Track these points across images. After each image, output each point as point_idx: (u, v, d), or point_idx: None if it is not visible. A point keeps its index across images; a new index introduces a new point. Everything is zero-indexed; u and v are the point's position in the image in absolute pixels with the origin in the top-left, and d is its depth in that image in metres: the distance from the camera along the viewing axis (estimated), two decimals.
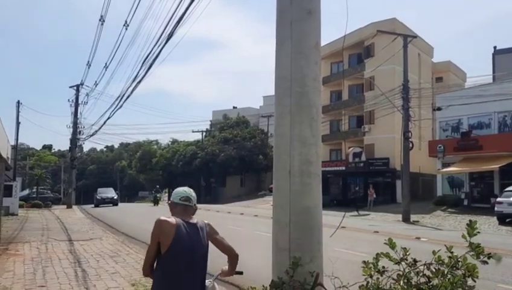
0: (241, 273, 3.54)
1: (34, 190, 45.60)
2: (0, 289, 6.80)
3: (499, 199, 20.30)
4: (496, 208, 20.06)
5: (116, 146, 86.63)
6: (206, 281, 3.19)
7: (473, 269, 2.54)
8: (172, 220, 2.90)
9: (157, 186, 37.35)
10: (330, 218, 4.23)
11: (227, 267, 3.37)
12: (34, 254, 10.27)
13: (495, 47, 40.92)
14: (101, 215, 24.09)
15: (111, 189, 41.64)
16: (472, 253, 2.58)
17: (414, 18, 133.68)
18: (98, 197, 37.11)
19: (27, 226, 17.58)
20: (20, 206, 28.31)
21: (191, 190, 3.16)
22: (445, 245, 2.70)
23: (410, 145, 23.51)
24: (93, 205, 37.15)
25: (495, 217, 20.16)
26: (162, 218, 2.91)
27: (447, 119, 29.38)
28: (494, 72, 37.23)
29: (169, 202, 3.10)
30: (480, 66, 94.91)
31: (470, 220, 2.66)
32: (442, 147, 27.86)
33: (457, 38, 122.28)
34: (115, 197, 37.81)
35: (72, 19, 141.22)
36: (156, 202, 37.70)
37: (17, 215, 23.77)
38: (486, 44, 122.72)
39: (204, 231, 3.05)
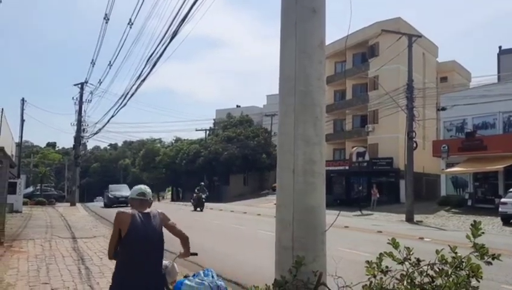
0: (195, 254, 4.18)
1: (38, 188, 45.88)
2: (5, 285, 6.83)
3: (503, 200, 20.24)
4: (500, 209, 19.99)
5: (119, 144, 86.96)
6: (167, 261, 3.79)
7: (477, 270, 2.53)
8: (129, 211, 3.52)
9: (202, 183, 29.59)
10: (333, 217, 4.21)
11: (183, 250, 3.95)
12: (37, 251, 10.31)
13: (500, 47, 40.70)
14: (104, 214, 24.16)
15: (125, 186, 35.53)
16: (476, 254, 2.57)
17: (415, 17, 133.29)
18: (110, 196, 32.29)
19: (31, 224, 17.66)
20: (24, 203, 28.45)
21: (146, 187, 3.80)
22: (448, 245, 2.69)
23: (414, 145, 23.44)
24: (102, 205, 33.63)
25: (499, 218, 20.09)
26: (121, 210, 3.55)
27: (451, 119, 29.28)
28: (499, 72, 37.06)
29: (129, 198, 3.73)
30: (479, 66, 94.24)
31: (474, 221, 2.64)
32: (446, 147, 27.77)
33: (457, 38, 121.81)
34: None
35: (73, 18, 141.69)
36: (200, 204, 26.88)
37: (21, 212, 23.89)
38: (485, 44, 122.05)
39: (157, 218, 3.61)
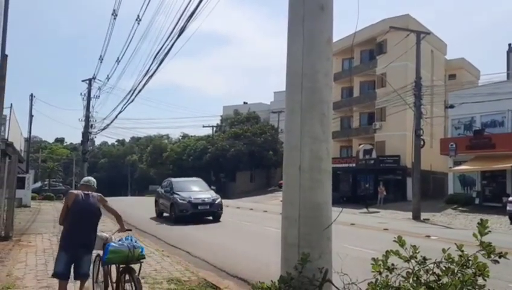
0: (130, 230, 5.58)
1: (46, 183, 46.32)
2: (13, 279, 6.91)
3: (511, 199, 20.08)
4: (507, 207, 19.84)
5: (127, 140, 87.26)
6: (107, 234, 5.30)
7: (484, 268, 2.52)
8: (75, 191, 5.17)
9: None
10: (340, 215, 4.21)
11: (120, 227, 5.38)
12: (45, 246, 10.41)
13: (510, 44, 40.20)
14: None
15: (200, 181, 20.34)
16: (483, 252, 2.56)
17: (424, 15, 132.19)
18: (180, 201, 17.19)
19: (39, 218, 17.83)
20: (33, 198, 28.74)
21: (92, 178, 5.45)
22: (455, 243, 2.69)
23: (422, 143, 23.30)
24: (155, 216, 19.46)
25: (507, 217, 19.95)
26: (70, 191, 5.36)
27: (459, 117, 29.06)
28: (508, 69, 36.65)
29: (79, 184, 5.35)
30: (488, 64, 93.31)
31: (481, 219, 2.63)
32: (454, 145, 27.58)
33: (466, 36, 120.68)
34: (218, 201, 17.91)
35: (82, 14, 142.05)
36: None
37: (29, 207, 24.12)
38: (495, 42, 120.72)
39: (95, 198, 5.10)
